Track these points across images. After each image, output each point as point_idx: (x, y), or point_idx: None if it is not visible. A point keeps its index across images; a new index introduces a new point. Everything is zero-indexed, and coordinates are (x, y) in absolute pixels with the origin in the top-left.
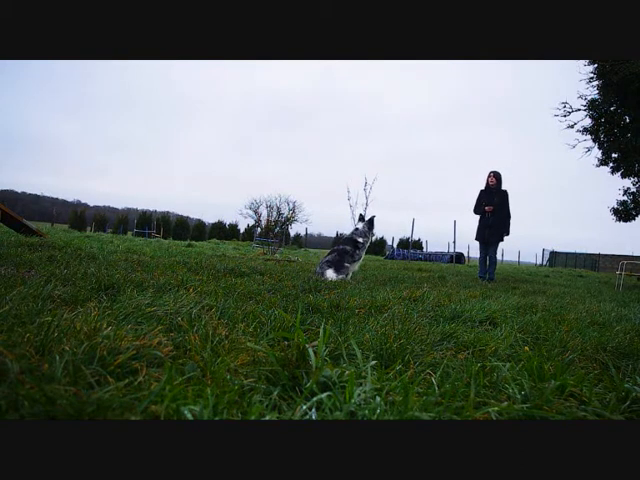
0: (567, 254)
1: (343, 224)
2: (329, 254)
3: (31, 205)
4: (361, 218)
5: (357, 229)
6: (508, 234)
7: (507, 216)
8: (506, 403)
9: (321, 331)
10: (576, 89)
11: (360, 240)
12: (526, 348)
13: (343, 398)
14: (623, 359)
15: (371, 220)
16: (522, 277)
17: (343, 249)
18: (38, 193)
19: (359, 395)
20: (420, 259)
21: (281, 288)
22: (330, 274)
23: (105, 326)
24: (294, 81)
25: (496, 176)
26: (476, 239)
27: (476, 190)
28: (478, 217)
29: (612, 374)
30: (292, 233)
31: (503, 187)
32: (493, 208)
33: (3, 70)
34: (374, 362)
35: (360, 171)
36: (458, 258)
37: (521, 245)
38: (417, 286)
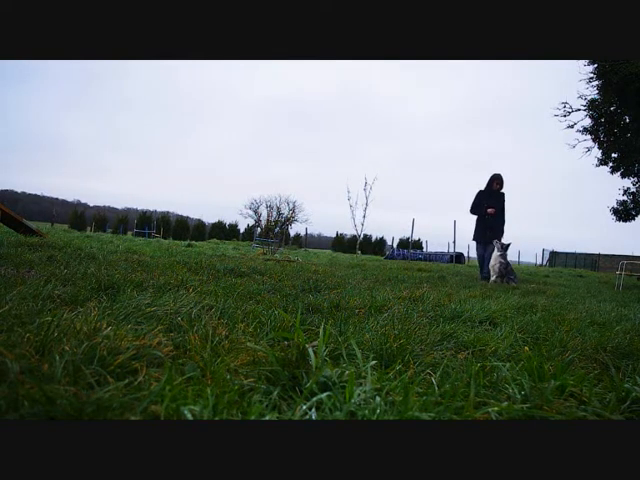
0: (567, 254)
1: (343, 224)
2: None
3: (31, 205)
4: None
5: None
6: (503, 236)
7: (504, 218)
8: (506, 403)
9: (321, 331)
10: (576, 89)
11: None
12: (526, 348)
13: (343, 398)
14: (623, 359)
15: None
16: (522, 277)
17: (508, 263)
18: (38, 193)
19: (359, 395)
20: (420, 259)
21: (281, 288)
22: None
23: (105, 326)
24: (309, 83)
25: (501, 180)
26: (474, 239)
27: (475, 190)
28: (475, 218)
29: (612, 374)
30: (292, 233)
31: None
32: (495, 210)
33: (3, 70)
34: (374, 362)
35: (364, 172)
36: (458, 258)
37: (521, 245)
38: (417, 286)
